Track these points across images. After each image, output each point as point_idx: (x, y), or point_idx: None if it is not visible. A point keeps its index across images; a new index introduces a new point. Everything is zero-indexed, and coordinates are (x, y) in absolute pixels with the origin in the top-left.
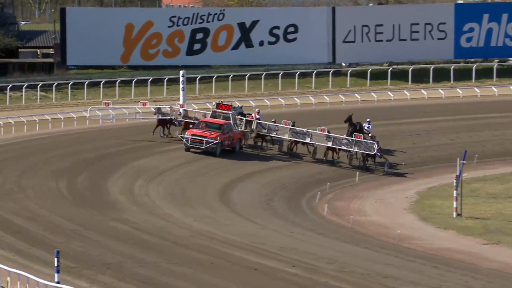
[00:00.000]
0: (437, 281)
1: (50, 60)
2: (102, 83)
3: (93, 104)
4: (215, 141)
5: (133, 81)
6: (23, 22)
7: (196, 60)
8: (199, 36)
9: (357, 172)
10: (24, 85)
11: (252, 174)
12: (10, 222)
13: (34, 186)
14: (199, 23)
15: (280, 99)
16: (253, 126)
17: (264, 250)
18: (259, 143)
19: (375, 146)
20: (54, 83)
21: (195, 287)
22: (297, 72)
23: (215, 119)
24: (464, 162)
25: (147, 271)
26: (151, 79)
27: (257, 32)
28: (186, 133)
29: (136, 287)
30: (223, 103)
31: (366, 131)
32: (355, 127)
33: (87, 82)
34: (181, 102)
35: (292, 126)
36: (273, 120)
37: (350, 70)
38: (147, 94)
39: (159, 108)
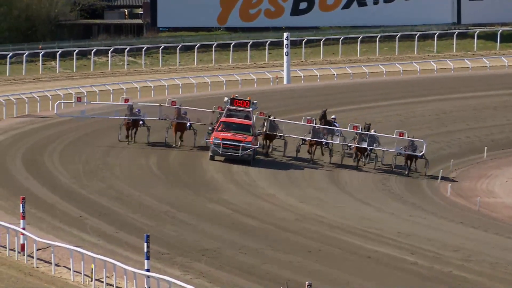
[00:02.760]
0: None
1: (139, 21)
2: (196, 47)
3: (187, 71)
4: (253, 146)
5: (231, 45)
6: None
7: (302, 21)
8: None
9: (485, 148)
10: (110, 49)
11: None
12: (95, 203)
13: (121, 163)
14: None
15: (397, 64)
16: (266, 125)
17: (379, 236)
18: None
19: (424, 146)
20: (143, 47)
21: (302, 277)
22: (416, 34)
23: (240, 119)
24: None
25: (248, 259)
26: (251, 42)
27: None
28: (214, 137)
29: (236, 275)
30: (238, 98)
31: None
32: (329, 125)
33: (180, 46)
34: (284, 68)
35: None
36: (269, 115)
37: (478, 32)
38: (246, 59)
39: (131, 107)
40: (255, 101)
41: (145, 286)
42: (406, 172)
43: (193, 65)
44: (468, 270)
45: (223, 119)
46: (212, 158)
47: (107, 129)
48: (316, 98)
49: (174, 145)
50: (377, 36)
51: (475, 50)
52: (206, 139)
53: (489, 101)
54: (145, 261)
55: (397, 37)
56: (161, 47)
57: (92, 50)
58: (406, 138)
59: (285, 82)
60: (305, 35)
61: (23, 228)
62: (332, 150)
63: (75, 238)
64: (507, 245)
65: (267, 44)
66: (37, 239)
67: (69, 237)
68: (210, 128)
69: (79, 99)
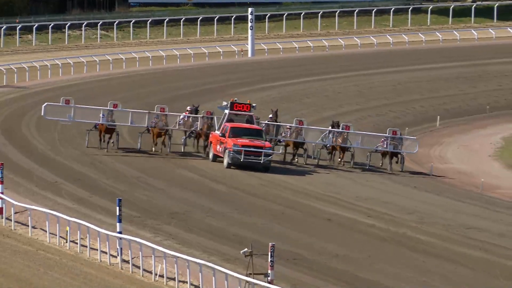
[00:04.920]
0: None
1: None
2: (165, 21)
3: (157, 44)
4: (274, 152)
5: (199, 20)
6: None
7: None
8: None
9: (438, 117)
10: (83, 23)
11: (328, 118)
12: (70, 169)
13: (95, 131)
14: None
15: (355, 38)
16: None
17: (338, 200)
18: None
19: (417, 145)
20: (115, 21)
21: (266, 238)
22: (374, 10)
23: (249, 124)
24: None
25: (215, 222)
26: (217, 17)
27: None
28: (232, 144)
29: (203, 237)
30: (238, 101)
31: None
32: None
33: (150, 20)
34: (249, 42)
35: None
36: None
37: (431, 7)
38: (213, 33)
39: (111, 112)
40: (254, 104)
41: (117, 247)
42: (389, 170)
43: (162, 39)
44: (422, 231)
45: (230, 124)
46: (229, 166)
47: (82, 99)
48: (279, 70)
49: (154, 150)
50: (337, 11)
51: (428, 24)
52: (184, 145)
53: (442, 73)
54: (117, 224)
55: (355, 12)
56: (132, 21)
57: (67, 24)
58: (399, 136)
59: (249, 54)
60: (269, 10)
61: (1, 193)
62: (307, 151)
63: (51, 202)
64: (459, 208)
65: (232, 18)
66: (15, 202)
67: (45, 201)
68: (188, 133)
69: (67, 102)
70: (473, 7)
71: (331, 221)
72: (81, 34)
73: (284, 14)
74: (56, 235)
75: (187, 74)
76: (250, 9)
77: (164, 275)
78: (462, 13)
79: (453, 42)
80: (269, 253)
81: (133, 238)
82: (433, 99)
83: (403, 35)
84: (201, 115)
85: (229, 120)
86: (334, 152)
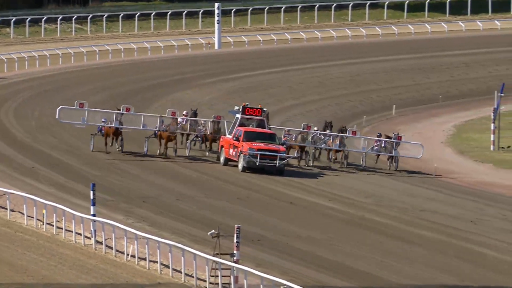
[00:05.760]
0: (476, 215)
1: None
2: (137, 15)
3: (128, 37)
4: (289, 156)
5: (168, 14)
6: None
7: None
8: None
9: (394, 105)
10: (59, 17)
11: (290, 107)
12: (47, 155)
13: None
14: None
15: (316, 32)
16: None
17: (300, 184)
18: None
19: (422, 150)
20: (88, 16)
21: (233, 221)
22: (333, 5)
23: (261, 129)
24: (502, 94)
25: (185, 205)
26: (186, 11)
27: None
28: (248, 148)
29: (173, 220)
30: (250, 106)
31: None
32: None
33: (122, 14)
34: (216, 35)
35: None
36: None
37: (387, 2)
38: (182, 27)
39: (120, 115)
40: (265, 109)
41: (91, 229)
42: (389, 168)
43: (134, 32)
44: (379, 214)
45: (243, 128)
46: (244, 170)
47: (57, 89)
48: (244, 62)
49: (164, 155)
50: (298, 6)
51: (385, 18)
52: (189, 148)
53: (397, 64)
54: (91, 207)
55: (316, 7)
56: (105, 16)
57: (43, 18)
58: (404, 141)
59: (216, 47)
60: (234, 5)
61: None
62: (309, 153)
63: (29, 187)
64: (414, 192)
65: (200, 13)
66: None
67: (23, 186)
68: (194, 137)
69: (81, 105)
70: (427, 2)
71: (294, 205)
72: (57, 27)
73: (249, 9)
74: (33, 217)
75: (157, 65)
76: (217, 4)
77: (136, 255)
78: (416, 8)
79: (408, 35)
80: (235, 235)
81: (106, 221)
82: (389, 89)
83: (361, 29)
84: (211, 119)
85: (241, 124)
86: (329, 152)
